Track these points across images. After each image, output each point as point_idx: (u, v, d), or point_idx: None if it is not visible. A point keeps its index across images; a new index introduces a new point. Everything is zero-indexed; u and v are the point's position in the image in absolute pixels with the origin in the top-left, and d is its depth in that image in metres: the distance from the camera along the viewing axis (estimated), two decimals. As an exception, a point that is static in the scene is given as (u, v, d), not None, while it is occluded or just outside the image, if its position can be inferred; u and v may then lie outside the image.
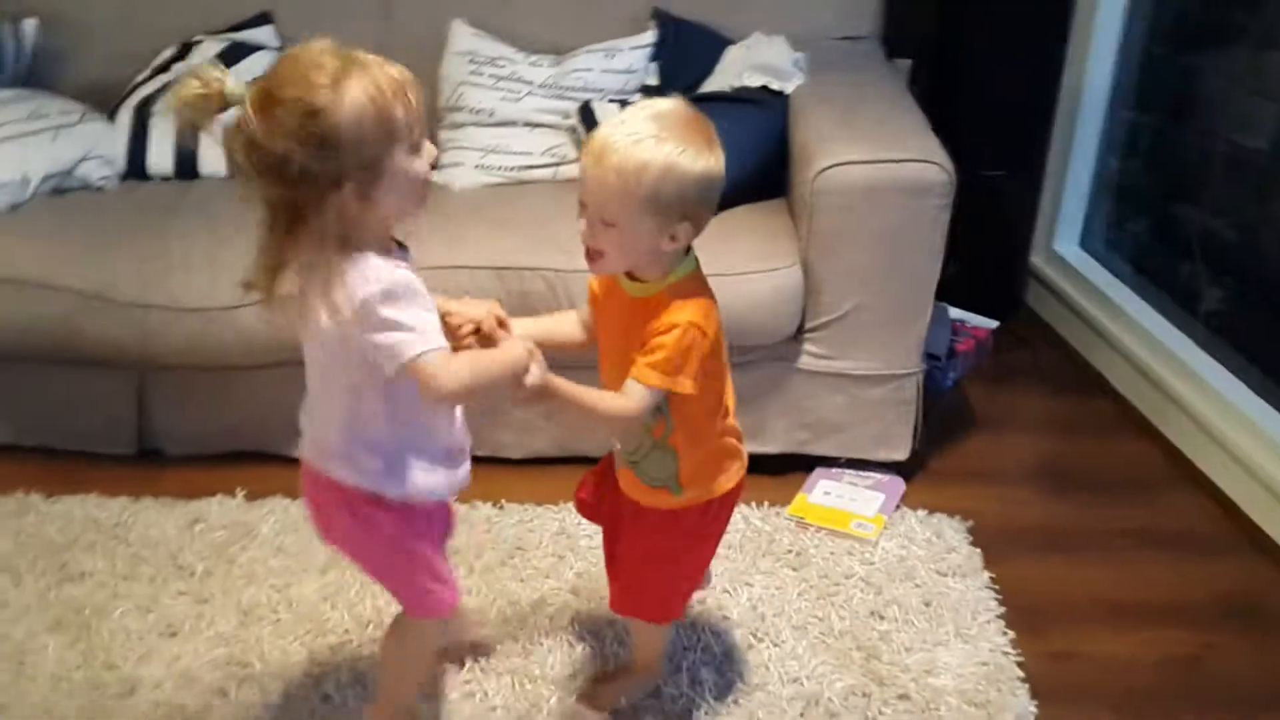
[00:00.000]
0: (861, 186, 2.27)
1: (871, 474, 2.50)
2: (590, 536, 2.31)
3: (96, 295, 2.31)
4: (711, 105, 2.56)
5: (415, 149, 1.40)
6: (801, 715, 1.92)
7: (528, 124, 2.69)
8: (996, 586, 2.22)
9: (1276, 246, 2.80)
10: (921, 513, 2.39)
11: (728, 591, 2.18)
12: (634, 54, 2.73)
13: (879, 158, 2.27)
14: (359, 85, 1.33)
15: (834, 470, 2.50)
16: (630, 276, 1.60)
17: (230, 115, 1.33)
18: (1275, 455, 2.40)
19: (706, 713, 1.92)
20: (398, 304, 1.39)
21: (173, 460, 2.52)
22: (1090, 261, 3.06)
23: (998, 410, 2.79)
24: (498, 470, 2.49)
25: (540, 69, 2.71)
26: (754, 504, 2.40)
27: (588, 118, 2.59)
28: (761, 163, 2.52)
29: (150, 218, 2.45)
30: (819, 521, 2.35)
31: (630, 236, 1.49)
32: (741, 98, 2.59)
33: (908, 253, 2.33)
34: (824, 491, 2.44)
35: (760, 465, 2.46)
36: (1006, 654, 2.07)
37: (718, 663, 2.02)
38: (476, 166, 2.65)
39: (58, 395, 2.47)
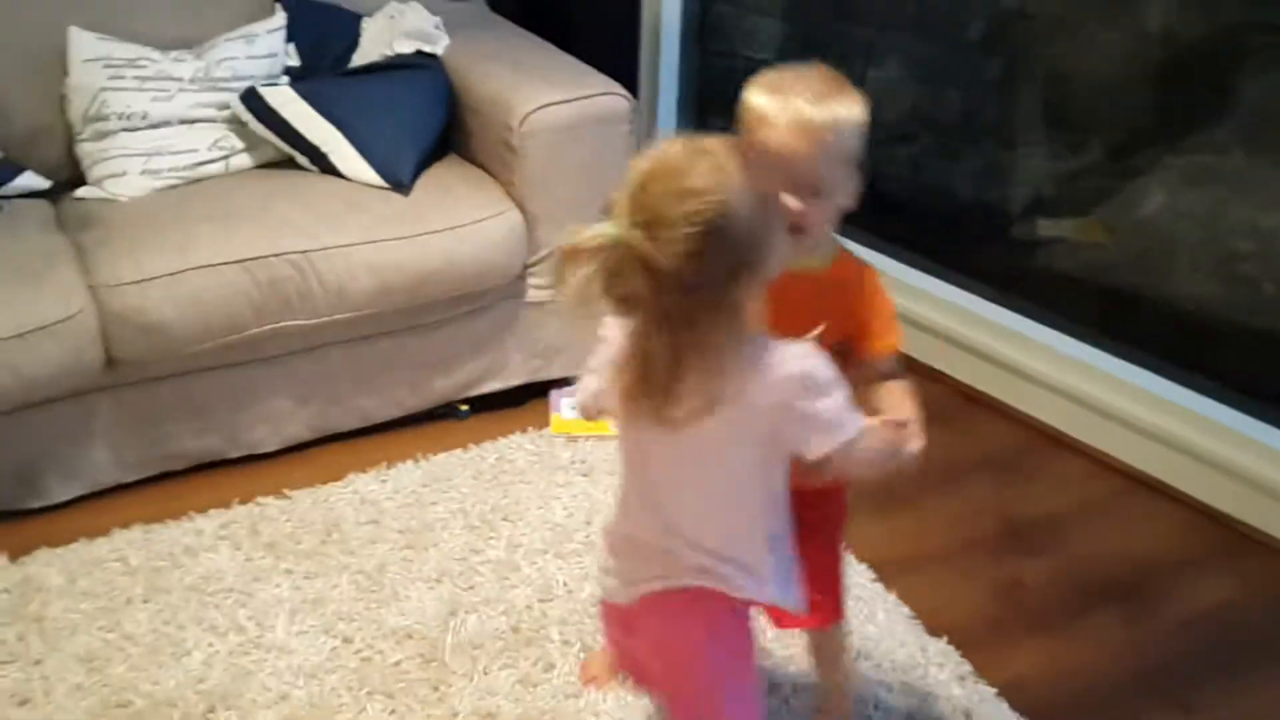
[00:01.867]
0: (564, 125, 2.50)
1: (599, 385, 2.76)
2: (391, 497, 2.39)
3: None
4: (377, 75, 2.69)
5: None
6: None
7: (184, 121, 2.62)
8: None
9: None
10: (659, 404, 2.70)
11: (541, 508, 2.37)
12: (271, 38, 2.74)
13: (574, 96, 2.51)
14: (737, 178, 1.29)
15: (567, 389, 2.73)
16: None
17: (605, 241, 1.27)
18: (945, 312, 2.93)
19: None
20: (829, 379, 1.37)
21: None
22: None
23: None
24: (260, 467, 2.49)
25: (185, 64, 2.64)
26: (518, 433, 2.59)
27: (256, 104, 2.58)
28: (440, 122, 2.66)
29: None
30: (584, 432, 2.59)
31: (834, 198, 1.49)
32: (400, 64, 2.70)
33: (607, 178, 2.57)
34: (570, 407, 2.67)
35: (505, 399, 2.69)
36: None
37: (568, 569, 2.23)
38: (143, 172, 2.54)
39: None
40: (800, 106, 1.44)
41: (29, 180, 2.55)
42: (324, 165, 2.57)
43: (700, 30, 3.50)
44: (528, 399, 2.71)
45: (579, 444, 2.56)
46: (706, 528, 1.44)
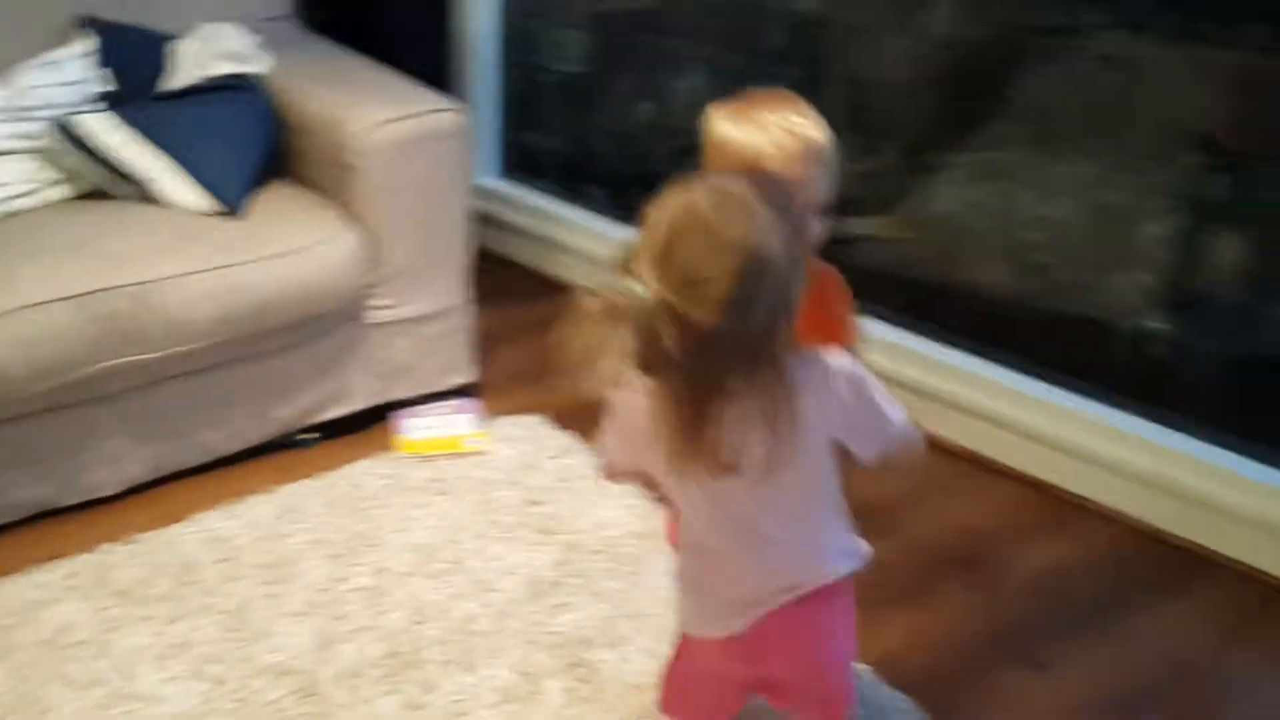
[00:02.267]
0: (399, 142, 2.48)
1: (443, 403, 2.74)
2: (244, 532, 2.32)
3: None
4: (196, 98, 2.61)
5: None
6: (531, 590, 2.20)
7: (-9, 153, 2.48)
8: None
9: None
10: (508, 418, 2.70)
11: (401, 531, 2.34)
12: (78, 63, 2.61)
13: (408, 113, 2.50)
14: (767, 217, 1.23)
15: (411, 410, 2.70)
16: None
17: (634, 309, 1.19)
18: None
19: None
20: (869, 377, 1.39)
21: None
22: (512, 187, 3.52)
23: (496, 326, 3.10)
24: (101, 512, 2.37)
25: (-14, 94, 2.51)
26: (366, 458, 2.55)
27: (70, 133, 2.46)
28: (266, 144, 2.60)
29: None
30: (435, 451, 2.57)
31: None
32: (220, 87, 2.62)
33: (443, 194, 2.59)
34: (416, 428, 2.65)
35: (349, 425, 2.65)
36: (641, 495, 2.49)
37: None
38: (-50, 208, 2.41)
39: None
40: (804, 131, 1.47)
41: None
42: (148, 193, 2.47)
43: (509, 43, 3.53)
44: (371, 423, 2.68)
45: (431, 464, 2.54)
46: (806, 531, 1.45)
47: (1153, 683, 2.14)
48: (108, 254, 2.28)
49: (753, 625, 1.45)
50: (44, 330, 2.17)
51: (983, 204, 3.13)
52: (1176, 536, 2.48)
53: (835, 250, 3.17)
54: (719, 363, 1.24)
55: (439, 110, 2.54)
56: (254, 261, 2.36)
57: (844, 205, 3.27)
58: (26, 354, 2.15)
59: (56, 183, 2.51)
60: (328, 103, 2.56)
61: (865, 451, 1.42)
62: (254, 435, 2.53)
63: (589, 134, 3.78)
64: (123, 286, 2.24)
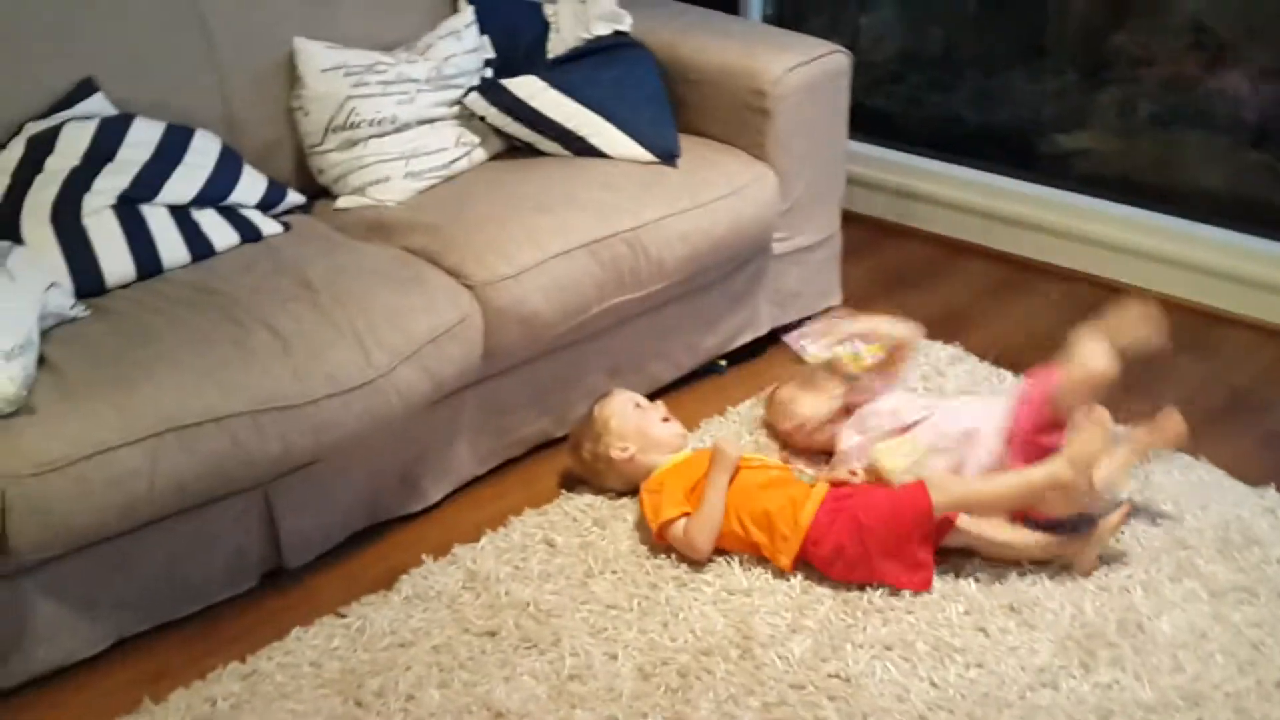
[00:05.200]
0: (807, 84, 2.71)
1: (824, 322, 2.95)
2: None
3: (265, 409, 2.00)
4: (597, 59, 2.80)
5: None
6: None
7: (423, 121, 2.65)
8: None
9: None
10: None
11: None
12: (470, 31, 2.79)
13: (810, 57, 2.72)
14: None
15: (797, 331, 2.90)
16: None
17: None
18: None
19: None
20: None
21: (296, 574, 2.23)
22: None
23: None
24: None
25: (417, 65, 2.66)
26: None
27: (501, 97, 2.65)
28: (666, 97, 2.79)
29: (205, 321, 2.11)
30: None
31: None
32: (610, 46, 2.81)
33: (831, 130, 2.83)
34: (813, 344, 2.86)
35: (752, 350, 2.88)
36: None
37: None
38: (406, 175, 2.58)
39: (174, 553, 2.07)
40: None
41: (292, 198, 2.54)
42: (578, 148, 2.67)
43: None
44: (764, 349, 2.91)
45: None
46: None
47: None
48: (598, 204, 2.48)
49: None
50: (568, 275, 2.38)
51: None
52: None
53: (1060, 163, 3.46)
54: None
55: (833, 52, 2.77)
56: (708, 203, 2.58)
57: (1042, 125, 3.57)
58: (558, 298, 2.36)
59: (478, 145, 2.70)
60: (726, 54, 2.75)
61: None
62: (686, 364, 2.77)
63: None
64: (622, 233, 2.45)
